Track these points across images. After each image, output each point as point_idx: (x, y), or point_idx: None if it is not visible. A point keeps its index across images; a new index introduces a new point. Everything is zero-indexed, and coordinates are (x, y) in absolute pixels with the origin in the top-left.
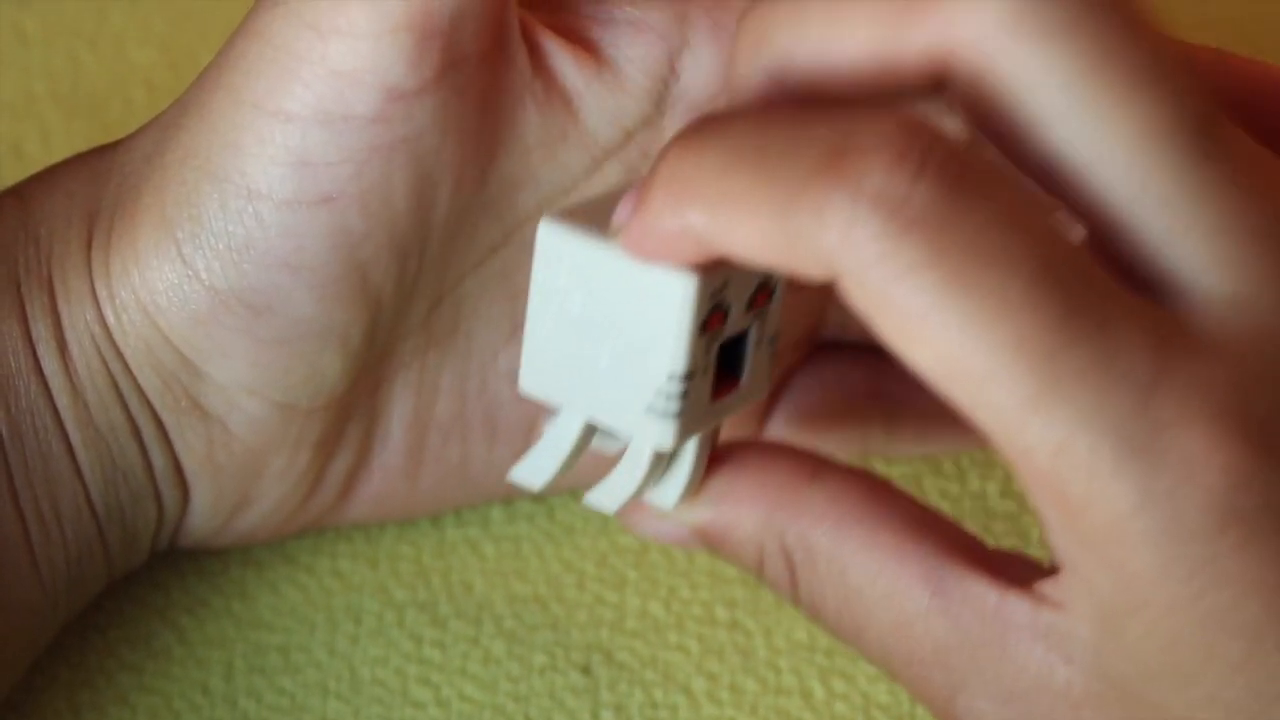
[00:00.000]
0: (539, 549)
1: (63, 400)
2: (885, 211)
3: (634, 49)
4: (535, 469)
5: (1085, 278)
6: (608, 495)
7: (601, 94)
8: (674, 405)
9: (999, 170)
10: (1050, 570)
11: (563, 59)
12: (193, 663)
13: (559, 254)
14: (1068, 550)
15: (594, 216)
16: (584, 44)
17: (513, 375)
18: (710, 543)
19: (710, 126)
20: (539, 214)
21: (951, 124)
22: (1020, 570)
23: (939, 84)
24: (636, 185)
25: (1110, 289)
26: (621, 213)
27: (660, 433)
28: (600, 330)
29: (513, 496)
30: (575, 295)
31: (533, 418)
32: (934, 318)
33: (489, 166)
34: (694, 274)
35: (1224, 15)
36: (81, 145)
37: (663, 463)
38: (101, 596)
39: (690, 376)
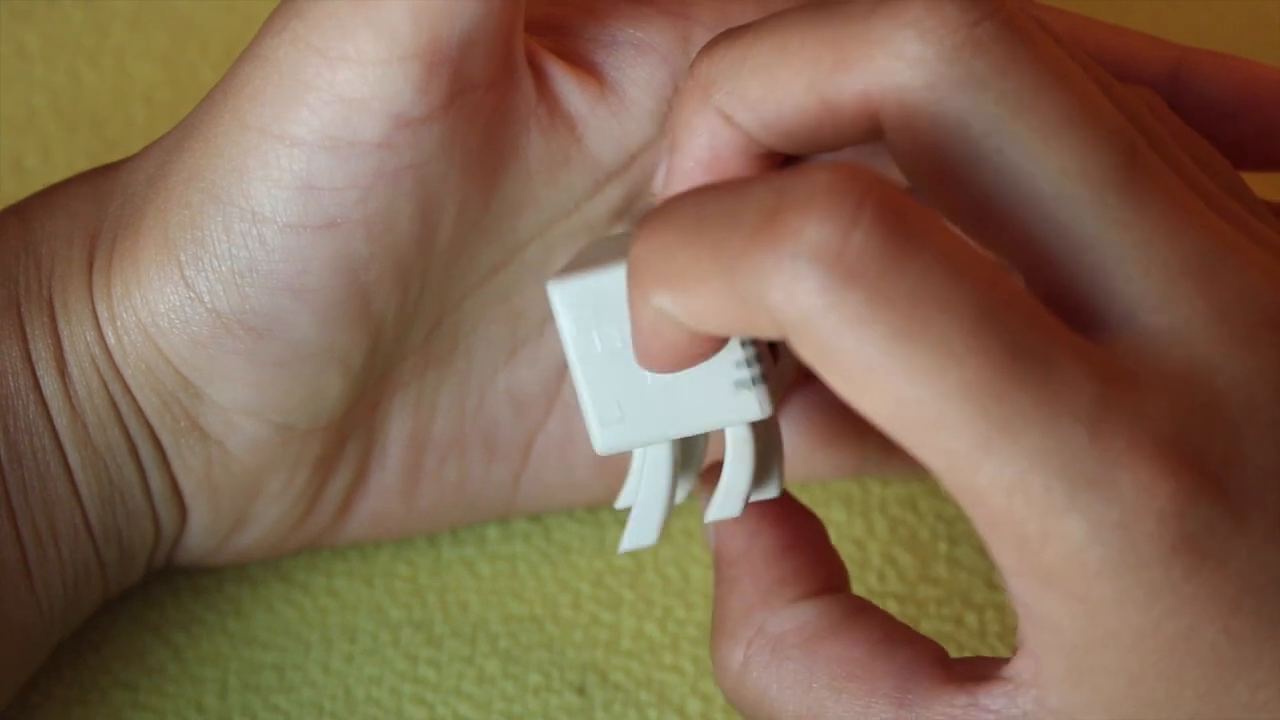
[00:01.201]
0: (535, 568)
1: (61, 421)
2: (824, 264)
3: (637, 71)
4: (643, 522)
5: (1028, 319)
6: (726, 501)
7: (605, 117)
8: (756, 369)
9: (935, 214)
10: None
11: (567, 83)
12: (187, 680)
13: (578, 303)
14: (1029, 593)
15: (589, 260)
16: (588, 67)
17: (512, 395)
18: (716, 571)
19: (660, 211)
20: (540, 235)
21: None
22: (987, 668)
23: (876, 129)
24: None
25: (1054, 329)
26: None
27: (757, 400)
28: None
29: (509, 515)
30: (611, 331)
31: (530, 436)
32: (881, 368)
33: (492, 190)
34: None
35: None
36: (82, 160)
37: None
38: (97, 613)
39: (754, 339)
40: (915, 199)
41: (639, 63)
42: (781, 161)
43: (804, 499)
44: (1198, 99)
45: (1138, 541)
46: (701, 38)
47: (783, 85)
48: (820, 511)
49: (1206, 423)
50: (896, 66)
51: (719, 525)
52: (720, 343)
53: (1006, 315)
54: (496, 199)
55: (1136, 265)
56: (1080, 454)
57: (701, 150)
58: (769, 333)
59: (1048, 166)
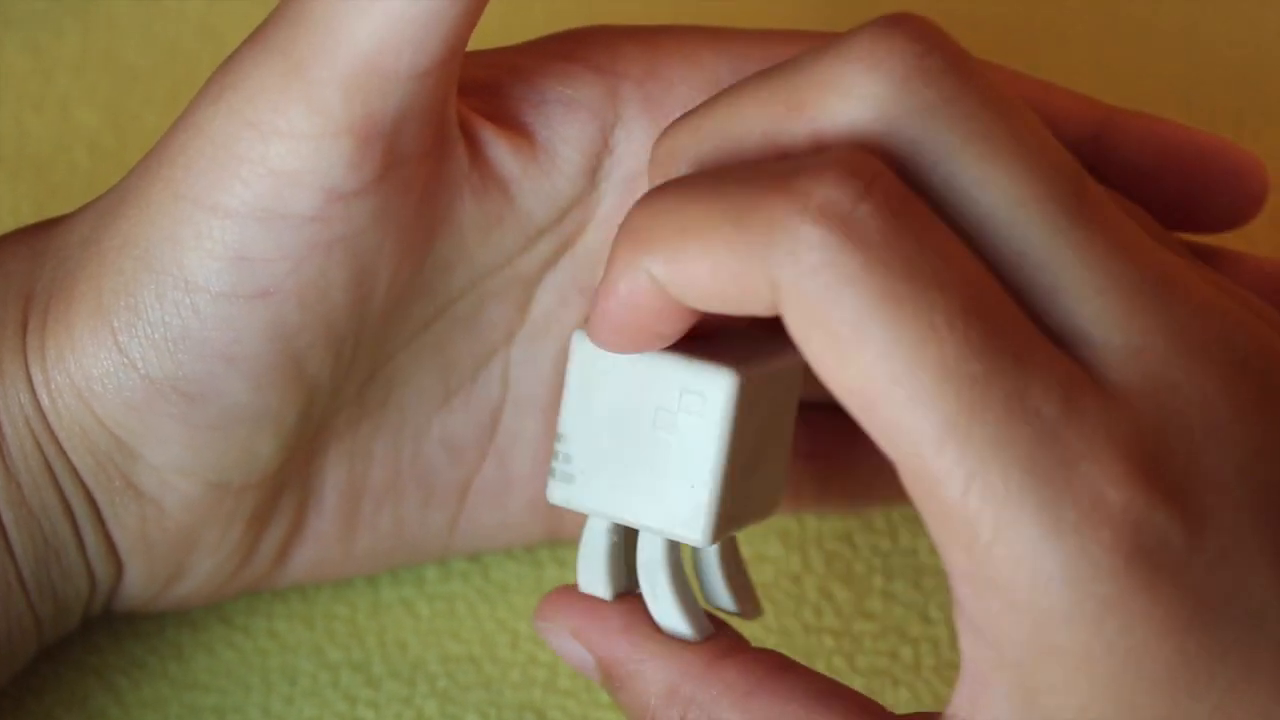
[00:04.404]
0: (473, 608)
1: None
2: (828, 222)
3: (567, 129)
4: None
5: (1008, 315)
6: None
7: (537, 177)
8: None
9: (933, 213)
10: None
11: (499, 148)
12: None
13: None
14: (973, 600)
15: None
16: (518, 128)
17: (446, 442)
18: (610, 681)
19: (667, 182)
20: (472, 289)
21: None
22: (927, 716)
23: None
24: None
25: (1029, 331)
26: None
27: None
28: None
29: (447, 556)
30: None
31: (466, 481)
32: (863, 333)
33: (425, 253)
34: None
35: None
36: (26, 207)
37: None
38: (37, 659)
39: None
40: (920, 197)
41: (569, 120)
42: None
43: (741, 536)
44: (1121, 159)
45: (1091, 550)
46: (629, 92)
47: (738, 141)
48: (757, 546)
49: (1166, 437)
50: (848, 104)
51: (585, 639)
52: (689, 321)
53: (989, 307)
54: (429, 260)
55: (1091, 285)
56: (1043, 452)
57: None
58: (760, 299)
59: (999, 193)
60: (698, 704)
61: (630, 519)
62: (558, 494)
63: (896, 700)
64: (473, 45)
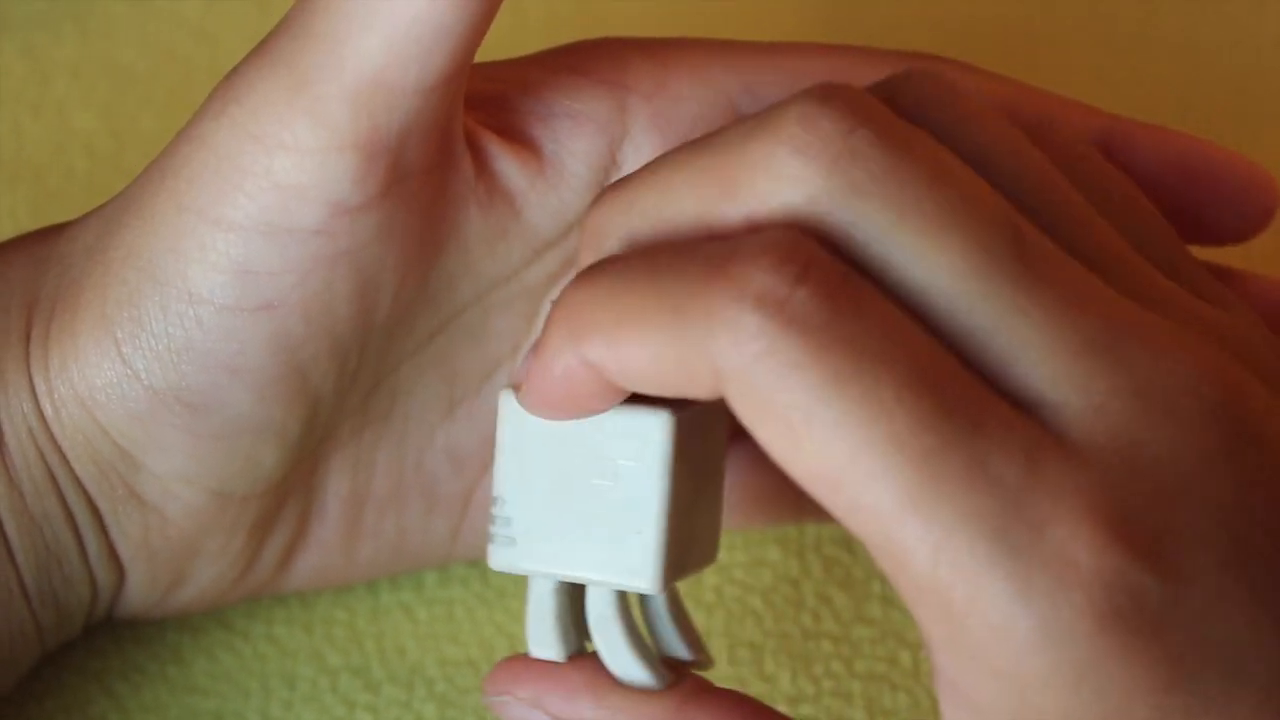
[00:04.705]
0: (472, 612)
1: None
2: (765, 309)
3: (575, 143)
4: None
5: (959, 383)
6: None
7: (543, 191)
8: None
9: (874, 289)
10: None
11: (506, 161)
12: None
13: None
14: (954, 667)
15: None
16: (525, 141)
17: (450, 452)
18: None
19: (602, 263)
20: (477, 302)
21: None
22: None
23: None
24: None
25: (984, 396)
26: (520, 370)
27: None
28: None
29: (448, 563)
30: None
31: (469, 491)
32: (813, 417)
33: (430, 266)
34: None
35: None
36: (23, 212)
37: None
38: (39, 665)
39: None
40: (857, 275)
41: (576, 134)
42: None
43: (739, 539)
44: (1127, 169)
45: (1064, 614)
46: (637, 106)
47: (670, 221)
48: (755, 551)
49: (1134, 494)
50: (777, 187)
51: (547, 705)
52: (625, 394)
53: (940, 377)
54: (434, 273)
55: (1042, 348)
56: (1008, 519)
57: None
58: (704, 384)
59: (937, 265)
60: None
61: (578, 575)
62: (500, 559)
63: (895, 705)
64: (477, 56)
